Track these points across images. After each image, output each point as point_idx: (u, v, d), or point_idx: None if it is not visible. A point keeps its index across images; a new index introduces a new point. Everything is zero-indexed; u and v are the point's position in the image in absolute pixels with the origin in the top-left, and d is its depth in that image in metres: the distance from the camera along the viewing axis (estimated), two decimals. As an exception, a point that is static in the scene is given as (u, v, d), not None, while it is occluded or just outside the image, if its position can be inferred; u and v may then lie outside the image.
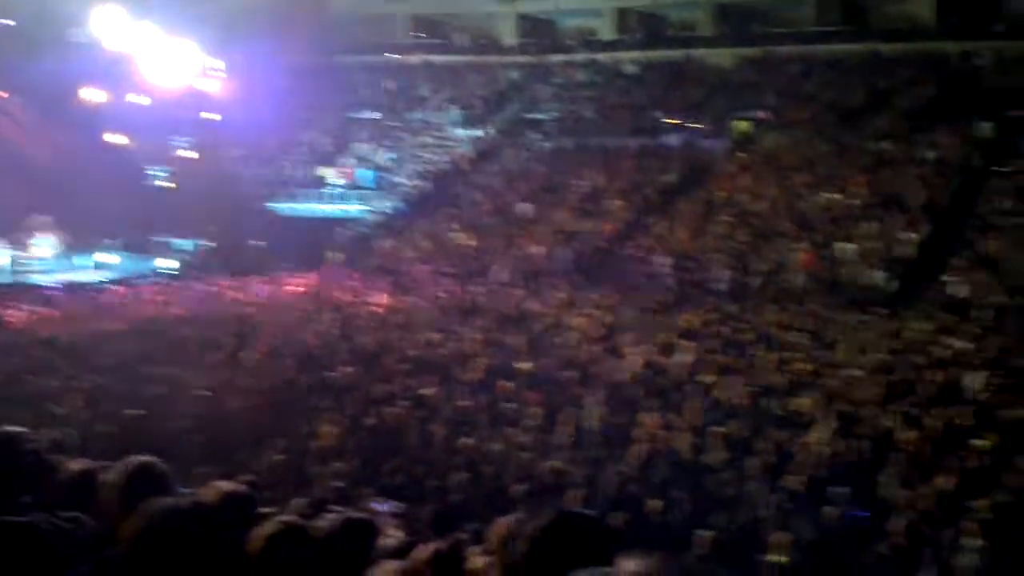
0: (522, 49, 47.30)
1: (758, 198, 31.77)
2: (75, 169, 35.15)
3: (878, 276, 26.67)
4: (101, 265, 34.45)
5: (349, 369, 18.51)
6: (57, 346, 20.11)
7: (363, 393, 17.05)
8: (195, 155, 41.41)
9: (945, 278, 25.99)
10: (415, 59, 48.19)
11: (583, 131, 39.95)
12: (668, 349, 20.33)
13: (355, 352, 20.22)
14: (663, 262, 29.38)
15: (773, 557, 10.73)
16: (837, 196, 30.67)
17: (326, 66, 46.63)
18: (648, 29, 45.82)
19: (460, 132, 42.88)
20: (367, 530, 5.11)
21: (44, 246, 34.44)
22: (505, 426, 15.16)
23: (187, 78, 39.28)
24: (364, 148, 43.32)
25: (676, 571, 2.48)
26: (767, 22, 43.50)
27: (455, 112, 43.94)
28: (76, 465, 4.86)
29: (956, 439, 14.59)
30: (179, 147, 41.57)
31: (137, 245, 36.21)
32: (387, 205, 38.94)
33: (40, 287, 29.04)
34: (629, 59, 44.03)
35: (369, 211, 39.07)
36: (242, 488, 5.03)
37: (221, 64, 40.79)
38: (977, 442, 14.09)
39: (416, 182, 40.27)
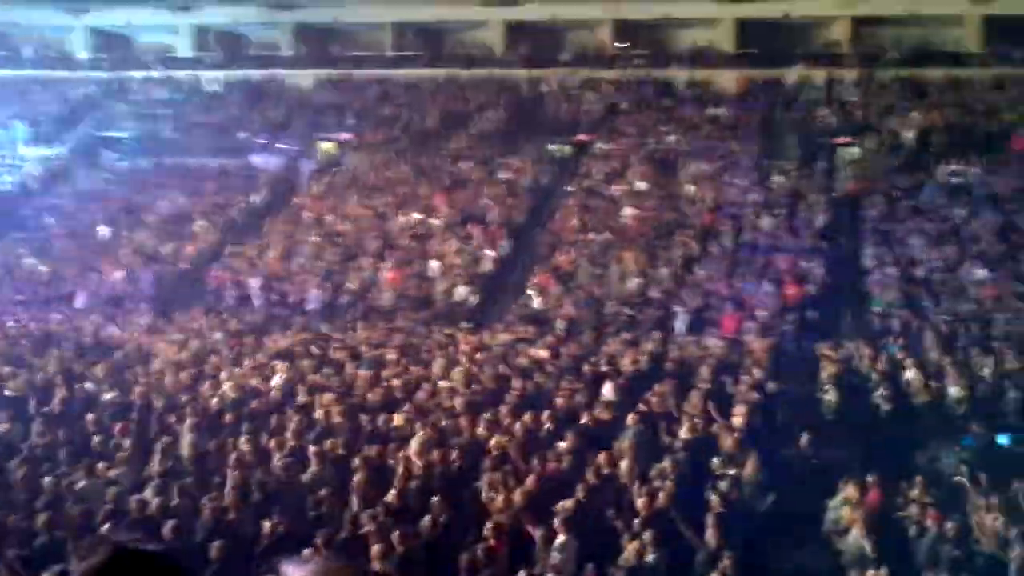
0: (94, 64, 44.93)
1: (344, 218, 32.06)
2: None
3: (462, 292, 27.67)
4: None
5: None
6: None
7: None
8: None
9: (525, 292, 27.44)
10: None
11: (163, 150, 38.55)
12: (261, 372, 20.02)
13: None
14: (252, 284, 28.90)
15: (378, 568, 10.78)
16: (420, 216, 31.56)
17: None
18: (227, 48, 45.08)
19: (28, 151, 39.98)
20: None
21: None
22: (92, 460, 14.24)
23: None
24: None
25: None
26: (346, 45, 44.16)
27: (22, 129, 40.91)
28: None
29: (541, 443, 15.44)
30: None
31: None
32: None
33: None
34: (210, 77, 43.03)
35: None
36: None
37: None
38: (560, 444, 14.98)
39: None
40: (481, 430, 15.84)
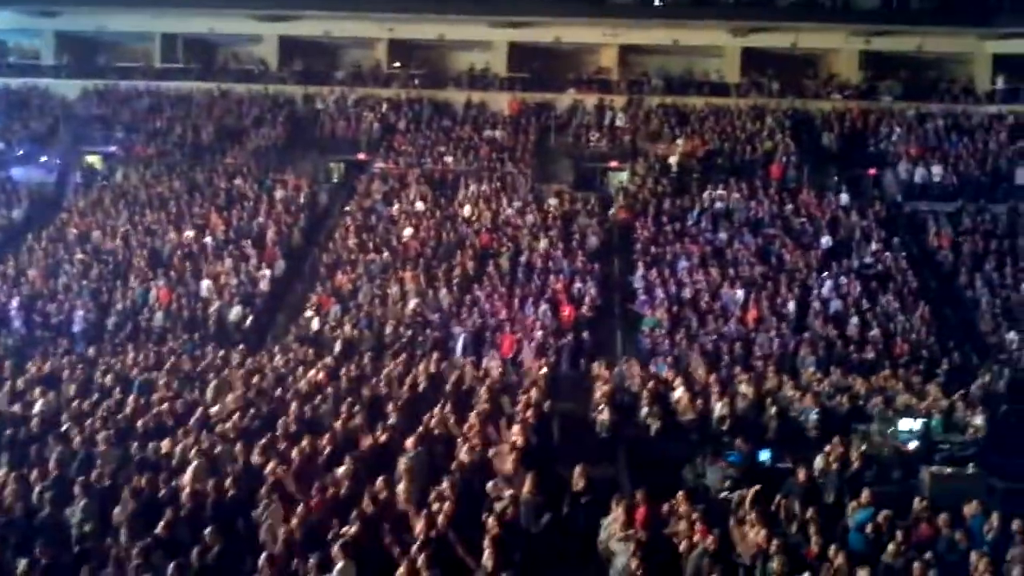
0: None
1: (112, 235, 30.80)
2: None
3: (237, 312, 27.05)
4: None
5: None
6: None
7: None
8: None
9: (302, 313, 27.05)
10: None
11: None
12: (21, 398, 19.01)
13: None
14: (11, 304, 27.36)
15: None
16: (193, 233, 30.67)
17: None
18: (-17, 54, 42.71)
19: None
20: None
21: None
22: None
23: None
24: None
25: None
26: (113, 55, 42.51)
27: None
28: None
29: (319, 468, 15.26)
30: None
31: None
32: None
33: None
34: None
35: None
36: None
37: None
38: (339, 469, 14.83)
39: None
40: (256, 456, 15.53)
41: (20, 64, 42.52)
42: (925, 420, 18.96)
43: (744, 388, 21.11)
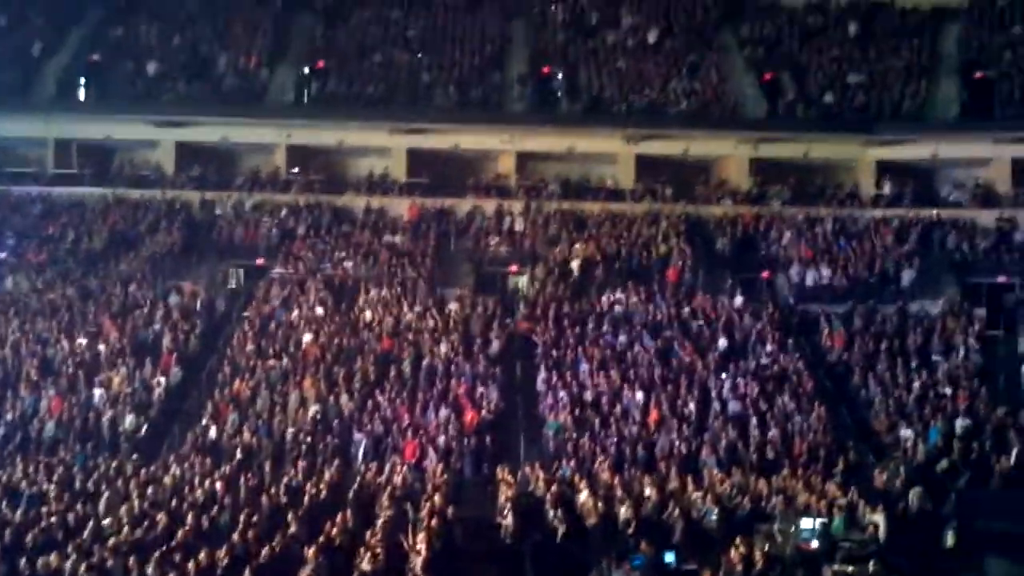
0: None
1: (1, 343, 29.90)
2: None
3: (131, 421, 26.35)
4: None
5: None
6: None
7: None
8: None
9: (199, 421, 26.46)
10: None
11: None
12: None
13: None
14: None
15: None
16: (85, 341, 29.94)
17: None
18: None
19: None
20: None
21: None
22: None
23: None
24: None
25: None
26: (5, 161, 41.69)
27: None
28: None
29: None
30: None
31: None
32: None
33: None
34: None
35: None
36: None
37: None
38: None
39: None
40: (151, 570, 15.06)
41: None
42: (825, 520, 19.20)
43: (648, 490, 21.19)
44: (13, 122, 40.09)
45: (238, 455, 24.46)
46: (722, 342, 29.99)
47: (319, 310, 31.91)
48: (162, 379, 28.22)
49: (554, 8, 45.67)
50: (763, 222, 37.54)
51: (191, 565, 15.13)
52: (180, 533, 17.02)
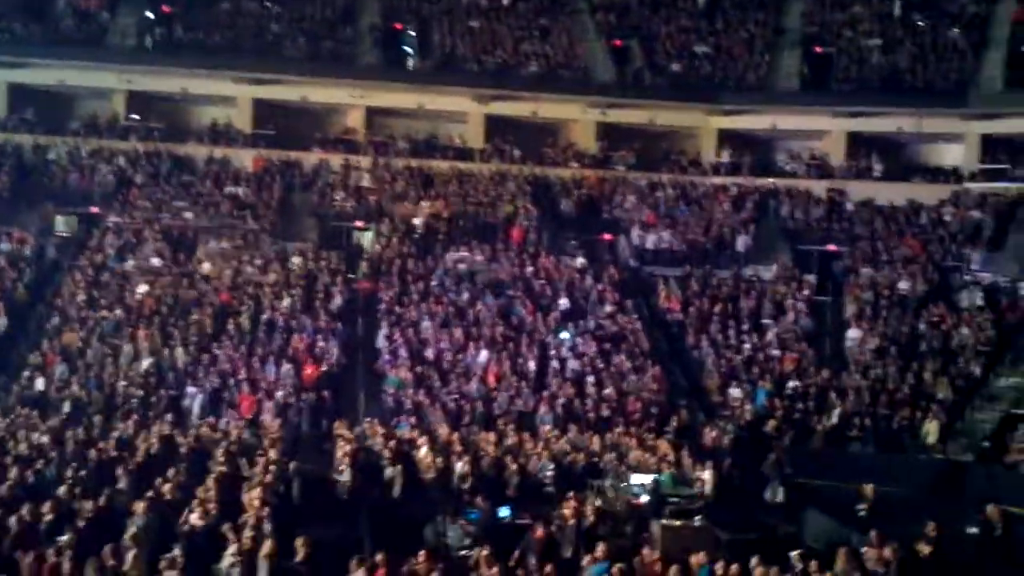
0: None
1: None
2: None
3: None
4: None
5: None
6: None
7: None
8: None
9: (25, 373, 25.52)
10: None
11: None
12: None
13: None
14: None
15: None
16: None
17: None
18: None
19: None
20: None
21: None
22: None
23: None
24: None
25: None
26: None
27: None
28: None
29: (39, 537, 14.42)
30: None
31: None
32: None
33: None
34: None
35: None
36: None
37: None
38: (61, 539, 14.05)
39: None
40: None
41: None
42: (656, 475, 19.73)
43: (485, 446, 21.42)
44: None
45: (66, 408, 23.75)
46: (563, 302, 30.41)
47: (155, 260, 31.08)
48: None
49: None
50: (607, 186, 38.13)
51: (12, 520, 14.64)
52: (3, 488, 16.45)
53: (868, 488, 19.34)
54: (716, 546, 16.48)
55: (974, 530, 17.37)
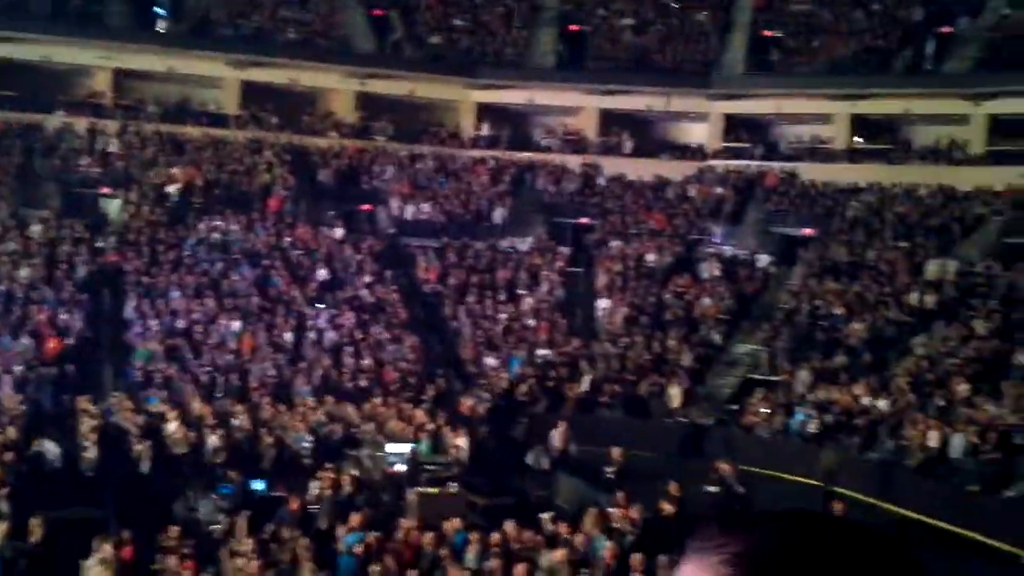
0: None
1: None
2: None
3: None
4: None
5: None
6: None
7: None
8: None
9: None
10: None
11: None
12: None
13: None
14: None
15: None
16: None
17: None
18: None
19: None
20: None
21: None
22: None
23: None
24: None
25: None
26: None
27: None
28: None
29: None
30: None
31: None
32: None
33: None
34: None
35: None
36: None
37: None
38: None
39: None
40: None
41: None
42: (413, 444, 19.91)
43: (240, 419, 21.04)
44: None
45: None
46: (322, 272, 30.15)
47: None
48: None
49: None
50: (367, 156, 37.96)
51: None
52: None
53: (616, 451, 20.15)
54: (471, 511, 16.82)
55: (713, 488, 18.38)
